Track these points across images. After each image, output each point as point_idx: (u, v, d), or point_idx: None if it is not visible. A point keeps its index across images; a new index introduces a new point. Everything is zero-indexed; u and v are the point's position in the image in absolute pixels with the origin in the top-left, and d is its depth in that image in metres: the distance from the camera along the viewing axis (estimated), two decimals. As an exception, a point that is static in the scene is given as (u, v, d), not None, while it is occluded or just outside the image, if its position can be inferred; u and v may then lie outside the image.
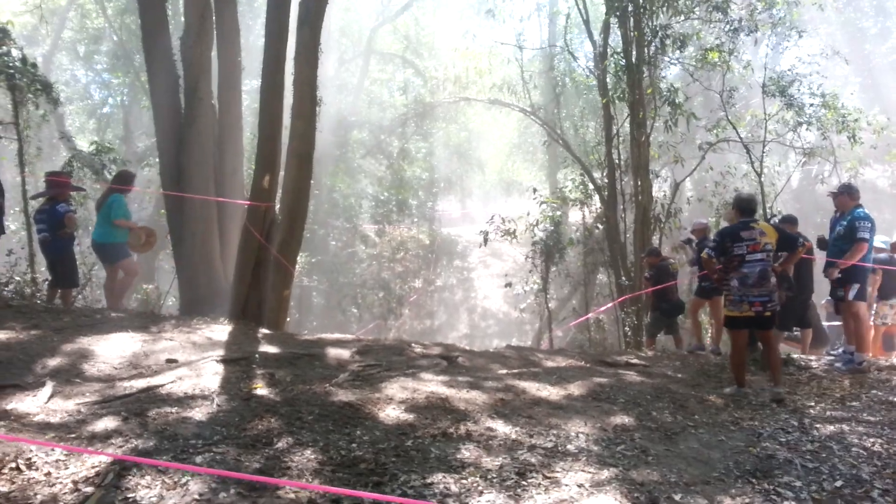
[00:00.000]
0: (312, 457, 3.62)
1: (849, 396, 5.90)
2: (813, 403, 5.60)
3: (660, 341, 10.42)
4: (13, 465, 3.22)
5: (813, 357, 7.71)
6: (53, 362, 5.15)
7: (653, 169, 12.31)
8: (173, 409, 4.22)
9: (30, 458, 3.30)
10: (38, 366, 5.03)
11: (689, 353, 8.59)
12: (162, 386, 4.71)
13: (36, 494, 2.99)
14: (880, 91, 27.41)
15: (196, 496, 3.04)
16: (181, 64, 9.82)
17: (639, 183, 11.20)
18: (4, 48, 9.82)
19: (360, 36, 31.29)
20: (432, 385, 5.19)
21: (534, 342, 16.97)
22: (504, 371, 6.26)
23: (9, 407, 4.11)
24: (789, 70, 10.27)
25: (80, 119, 28.77)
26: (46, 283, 8.84)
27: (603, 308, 12.95)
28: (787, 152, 12.65)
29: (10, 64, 9.64)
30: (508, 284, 13.33)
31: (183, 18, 10.30)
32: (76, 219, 8.41)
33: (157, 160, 11.58)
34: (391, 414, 4.44)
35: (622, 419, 4.73)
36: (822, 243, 7.75)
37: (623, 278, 11.56)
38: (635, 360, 7.50)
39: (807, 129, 10.37)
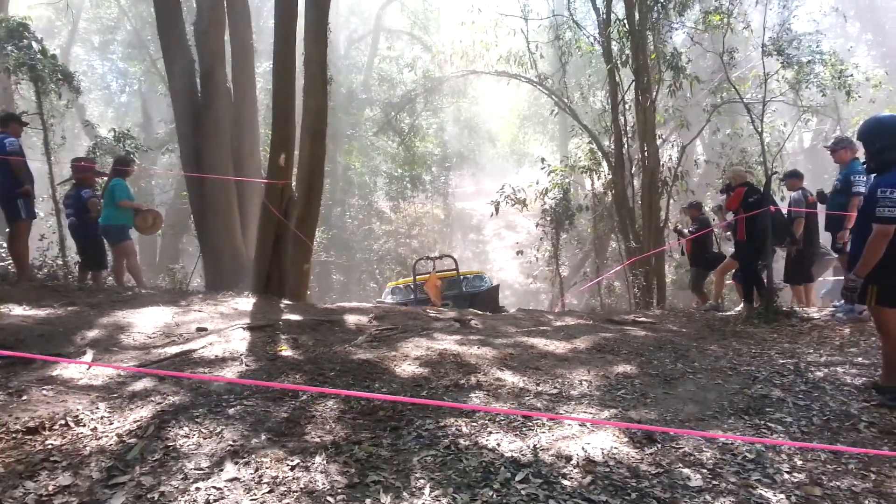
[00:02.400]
0: (335, 406, 3.92)
1: (847, 343, 6.12)
2: (812, 350, 5.84)
3: (672, 299, 10.61)
4: (63, 421, 3.52)
5: (814, 308, 7.92)
6: (91, 334, 5.52)
7: (660, 134, 12.43)
8: (206, 370, 4.56)
9: (77, 416, 3.60)
10: (77, 337, 5.40)
11: (705, 311, 8.74)
12: (194, 351, 5.05)
13: (85, 447, 3.27)
14: (892, 45, 27.04)
15: (230, 442, 3.36)
16: (195, 49, 10.09)
17: (645, 148, 11.37)
18: (25, 41, 10.18)
19: (369, 14, 31.35)
20: (445, 343, 5.50)
21: (548, 309, 17.27)
22: (514, 330, 6.57)
23: (54, 374, 4.47)
24: (787, 29, 10.27)
25: (99, 108, 29.26)
26: (77, 265, 9.25)
27: (612, 271, 13.18)
28: (795, 112, 12.67)
29: (32, 56, 10.00)
30: (520, 252, 13.61)
31: (195, 4, 10.54)
32: (97, 202, 8.76)
33: (177, 145, 11.91)
34: (407, 369, 4.76)
35: (624, 368, 5.01)
36: (821, 196, 7.93)
37: (632, 241, 11.77)
38: (643, 319, 7.77)
39: (806, 86, 10.42)
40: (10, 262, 8.54)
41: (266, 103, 14.77)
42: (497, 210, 12.68)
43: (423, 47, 28.25)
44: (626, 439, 3.58)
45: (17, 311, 6.03)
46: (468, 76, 20.49)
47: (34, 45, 10.24)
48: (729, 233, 8.88)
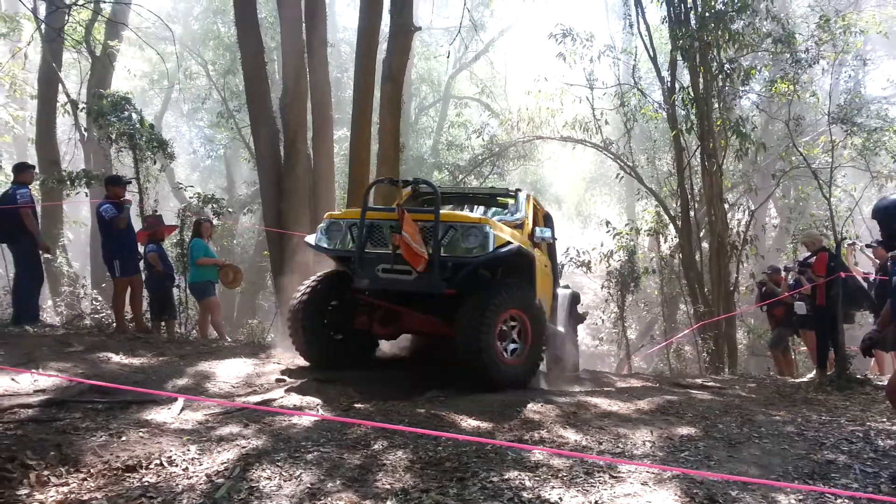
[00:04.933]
0: (404, 456, 4.13)
1: (925, 413, 5.95)
2: (884, 419, 5.70)
3: (745, 365, 10.43)
4: (157, 461, 3.87)
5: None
6: (181, 382, 5.99)
7: (727, 198, 12.43)
8: (285, 419, 4.88)
9: (170, 457, 3.95)
10: (168, 385, 5.86)
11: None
12: (274, 400, 5.41)
13: (178, 485, 3.58)
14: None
15: (308, 485, 3.62)
16: (280, 120, 10.92)
17: (712, 212, 11.38)
18: (126, 113, 11.23)
19: (439, 82, 32.67)
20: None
21: (616, 371, 17.02)
22: (577, 389, 6.67)
23: (149, 418, 4.87)
24: (853, 98, 10.23)
25: (186, 171, 31.25)
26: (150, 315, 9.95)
27: (680, 335, 13.01)
28: (870, 177, 12.48)
29: (132, 126, 11.02)
30: (585, 313, 13.60)
31: (280, 79, 11.44)
32: (157, 256, 9.50)
33: (260, 206, 12.69)
34: (472, 423, 4.94)
35: (688, 430, 5.04)
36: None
37: (701, 305, 11.66)
38: (710, 383, 7.71)
39: (875, 154, 10.30)
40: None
41: (342, 168, 15.55)
42: (561, 272, 12.81)
43: (491, 113, 29.11)
44: (688, 499, 3.64)
45: (115, 359, 6.59)
46: (534, 141, 20.96)
47: (134, 115, 11.26)
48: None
